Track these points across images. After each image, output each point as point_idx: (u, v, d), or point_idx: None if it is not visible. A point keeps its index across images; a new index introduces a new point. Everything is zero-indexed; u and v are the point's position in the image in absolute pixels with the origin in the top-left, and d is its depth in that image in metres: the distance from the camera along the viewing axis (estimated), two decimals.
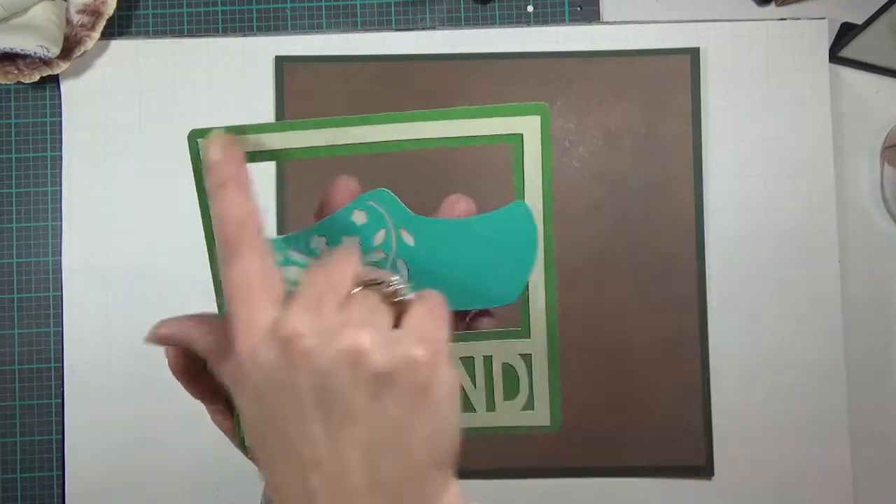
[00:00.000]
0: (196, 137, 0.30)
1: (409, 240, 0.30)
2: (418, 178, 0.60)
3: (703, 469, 0.62)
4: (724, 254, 0.63)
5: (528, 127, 0.29)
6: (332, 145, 0.29)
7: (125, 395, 0.63)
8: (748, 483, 0.63)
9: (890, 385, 0.64)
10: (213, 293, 0.31)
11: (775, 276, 0.63)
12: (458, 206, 0.31)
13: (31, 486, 0.63)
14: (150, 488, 0.63)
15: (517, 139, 0.29)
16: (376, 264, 0.30)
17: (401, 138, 0.29)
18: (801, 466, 0.63)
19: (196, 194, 0.30)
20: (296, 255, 0.30)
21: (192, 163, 0.30)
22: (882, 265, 0.64)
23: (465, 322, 0.33)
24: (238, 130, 0.29)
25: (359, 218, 0.30)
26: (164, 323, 0.29)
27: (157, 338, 0.29)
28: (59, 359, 0.63)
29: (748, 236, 0.63)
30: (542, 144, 0.29)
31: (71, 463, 0.62)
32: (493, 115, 0.29)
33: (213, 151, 0.28)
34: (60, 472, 0.63)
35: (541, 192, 0.30)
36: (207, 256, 0.31)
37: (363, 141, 0.29)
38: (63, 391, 0.63)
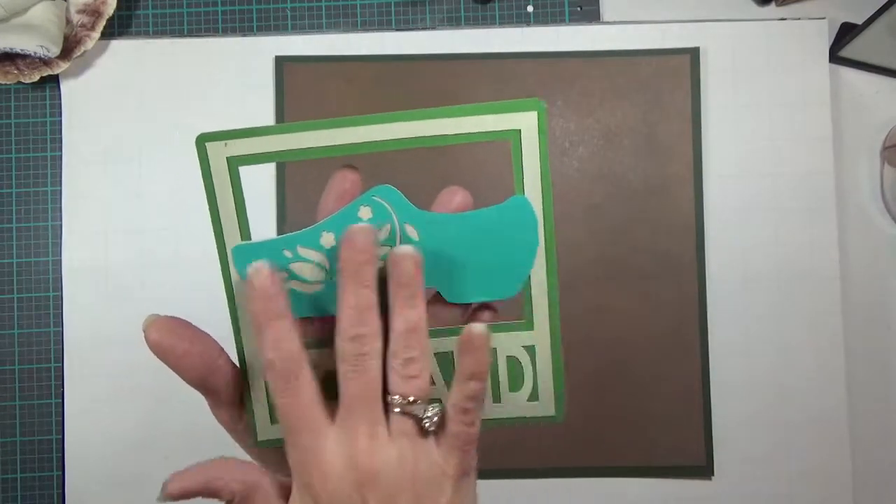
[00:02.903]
0: (204, 142, 0.31)
1: (413, 234, 0.31)
2: (418, 175, 0.60)
3: (703, 469, 0.62)
4: (724, 254, 0.63)
5: (526, 123, 0.30)
6: (332, 146, 0.30)
7: (125, 394, 0.63)
8: (748, 483, 0.63)
9: (890, 385, 0.64)
10: (226, 301, 0.32)
11: (775, 276, 0.63)
12: (456, 197, 0.32)
13: (31, 486, 0.63)
14: (150, 488, 0.62)
15: (515, 135, 0.30)
16: (382, 258, 0.31)
17: (401, 137, 0.30)
18: (801, 466, 0.63)
19: (206, 199, 0.31)
20: (305, 252, 0.31)
21: (202, 167, 0.31)
22: (882, 265, 0.64)
23: (467, 315, 0.33)
24: (240, 134, 0.30)
25: (364, 214, 0.31)
26: (176, 477, 0.31)
27: (172, 496, 0.30)
28: (59, 359, 0.63)
29: (748, 236, 0.63)
30: (539, 139, 0.30)
31: (71, 463, 0.62)
32: (491, 111, 0.30)
33: (262, 279, 0.29)
34: (60, 472, 0.63)
35: (539, 185, 0.31)
36: (220, 268, 0.31)
37: (363, 140, 0.30)
38: (63, 391, 0.63)
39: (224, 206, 0.31)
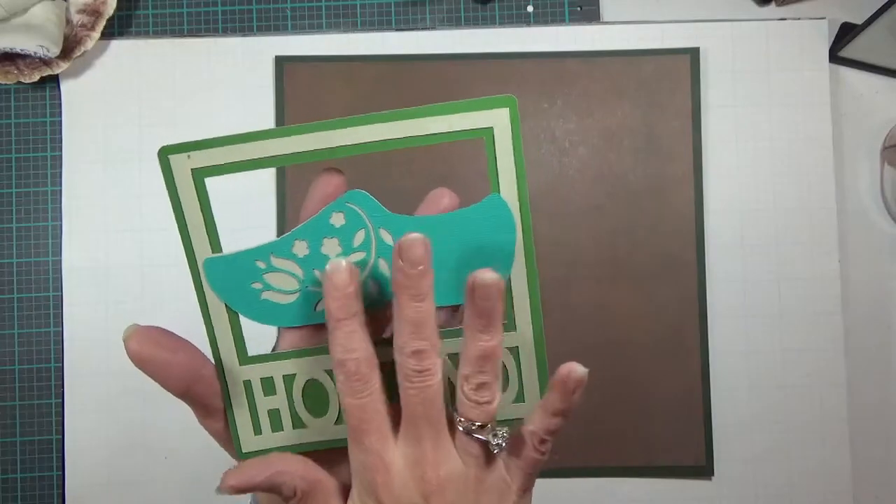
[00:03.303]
0: (167, 154, 0.30)
1: (388, 239, 0.30)
2: (407, 174, 0.60)
3: (703, 469, 0.62)
4: (724, 254, 0.63)
5: (498, 120, 0.30)
6: (300, 152, 0.29)
7: (125, 395, 0.63)
8: (748, 483, 0.63)
9: (890, 385, 0.64)
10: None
11: (775, 276, 0.63)
12: (443, 200, 0.32)
13: (31, 486, 0.63)
14: (149, 488, 0.63)
15: (488, 133, 0.30)
16: (357, 265, 0.30)
17: (372, 140, 0.29)
18: (801, 466, 0.63)
19: (172, 211, 0.30)
20: (279, 262, 0.30)
21: (166, 181, 0.30)
22: (882, 265, 0.64)
23: (448, 316, 0.33)
24: (204, 145, 0.30)
25: (337, 220, 0.30)
26: (236, 470, 0.29)
27: (234, 489, 0.29)
28: (59, 359, 0.63)
29: (748, 236, 0.63)
30: (512, 136, 0.30)
31: (71, 463, 0.62)
32: (462, 110, 0.29)
33: (341, 276, 0.28)
34: (60, 472, 0.63)
35: (515, 183, 0.30)
36: (191, 275, 0.31)
37: (333, 145, 0.29)
38: (63, 391, 0.63)
39: (192, 219, 0.30)
